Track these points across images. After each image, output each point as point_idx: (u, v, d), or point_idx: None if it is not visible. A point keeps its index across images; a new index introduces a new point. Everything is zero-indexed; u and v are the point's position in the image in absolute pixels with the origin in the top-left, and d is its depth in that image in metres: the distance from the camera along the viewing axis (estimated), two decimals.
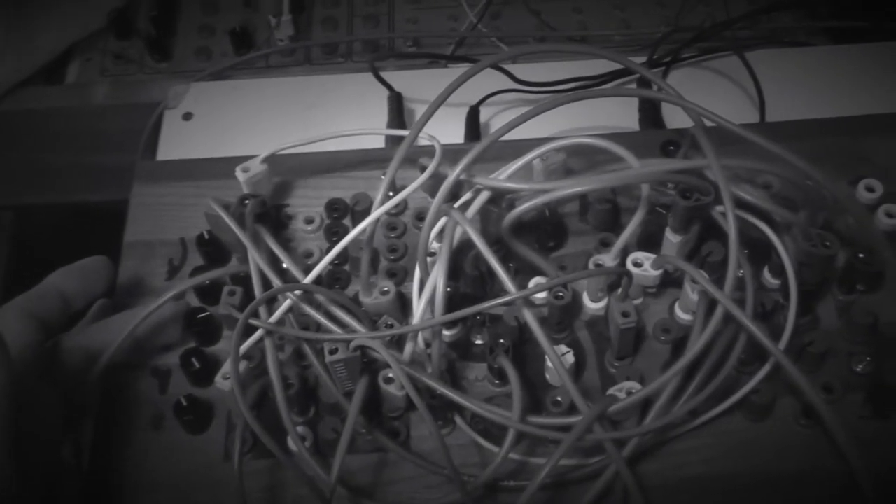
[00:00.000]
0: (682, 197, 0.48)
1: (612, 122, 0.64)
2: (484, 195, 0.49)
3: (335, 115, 0.68)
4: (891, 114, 0.59)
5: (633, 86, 0.68)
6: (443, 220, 0.50)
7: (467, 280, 0.51)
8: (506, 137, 0.50)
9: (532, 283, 0.51)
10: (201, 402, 0.49)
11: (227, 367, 0.47)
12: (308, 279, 0.49)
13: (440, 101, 0.49)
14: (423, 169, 0.49)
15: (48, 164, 0.79)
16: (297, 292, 0.48)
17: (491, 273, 0.48)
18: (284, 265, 0.51)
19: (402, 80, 0.68)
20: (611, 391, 0.47)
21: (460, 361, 0.51)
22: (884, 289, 0.52)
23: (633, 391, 0.46)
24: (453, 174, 0.47)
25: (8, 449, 0.39)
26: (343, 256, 0.53)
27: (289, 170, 0.58)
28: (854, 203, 0.52)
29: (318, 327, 0.48)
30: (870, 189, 0.54)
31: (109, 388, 0.51)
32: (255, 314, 0.48)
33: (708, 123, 0.50)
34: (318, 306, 0.49)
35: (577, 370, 0.50)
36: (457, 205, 0.50)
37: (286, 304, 0.48)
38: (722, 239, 0.49)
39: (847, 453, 0.44)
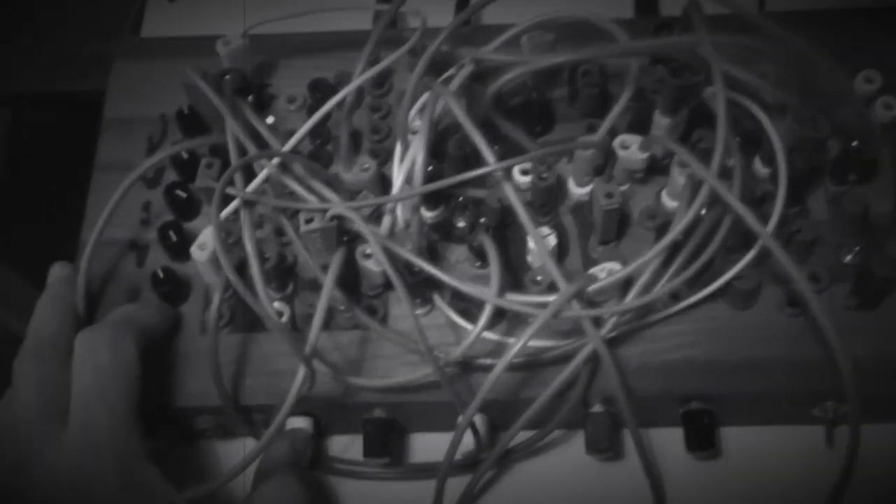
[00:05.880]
0: (672, 75, 0.46)
1: (606, 10, 0.62)
2: (467, 69, 0.48)
3: None
4: (892, 6, 0.57)
5: None
6: (426, 96, 0.49)
7: (451, 162, 0.50)
8: (495, 21, 0.48)
9: (516, 168, 0.49)
10: (178, 275, 0.49)
11: (202, 238, 0.46)
12: (286, 147, 0.48)
13: None
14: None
15: (36, 51, 0.78)
16: (275, 161, 0.47)
17: (475, 155, 0.47)
18: (263, 136, 0.49)
19: None
20: (591, 271, 0.46)
21: (441, 243, 0.50)
22: (876, 180, 0.51)
23: (614, 271, 0.45)
24: (437, 40, 0.45)
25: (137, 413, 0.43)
26: (325, 136, 0.52)
27: (272, 50, 0.57)
28: (851, 92, 0.50)
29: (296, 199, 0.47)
30: (868, 80, 0.52)
31: (90, 264, 0.50)
32: (233, 185, 0.47)
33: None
34: (297, 179, 0.47)
35: (560, 255, 0.49)
36: (442, 78, 0.49)
37: (263, 172, 0.47)
38: (713, 126, 0.47)
39: (830, 339, 0.43)
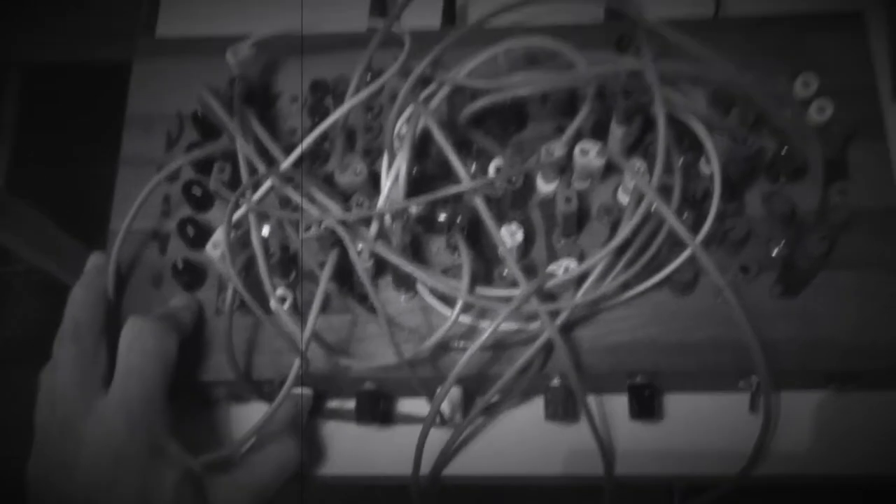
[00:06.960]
0: (624, 95, 0.53)
1: (579, 16, 0.66)
2: (446, 89, 0.54)
3: None
4: (832, 12, 0.62)
5: None
6: (410, 108, 0.55)
7: (434, 162, 0.57)
8: (481, 14, 0.55)
9: (491, 166, 0.56)
10: (195, 264, 0.57)
11: (216, 237, 0.53)
12: (287, 162, 0.55)
13: None
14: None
15: (52, 21, 0.83)
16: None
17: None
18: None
19: None
20: (549, 268, 0.53)
21: (425, 234, 0.57)
22: (807, 179, 0.57)
23: (570, 268, 0.53)
24: (416, 70, 0.52)
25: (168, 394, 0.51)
26: (324, 135, 0.59)
27: (276, 50, 0.63)
28: (788, 97, 0.57)
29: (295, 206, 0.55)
30: (806, 84, 0.58)
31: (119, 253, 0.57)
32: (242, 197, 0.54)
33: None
34: (297, 189, 0.55)
35: (527, 245, 0.56)
36: (423, 95, 0.55)
37: (267, 185, 0.54)
38: None
39: (740, 322, 0.52)
